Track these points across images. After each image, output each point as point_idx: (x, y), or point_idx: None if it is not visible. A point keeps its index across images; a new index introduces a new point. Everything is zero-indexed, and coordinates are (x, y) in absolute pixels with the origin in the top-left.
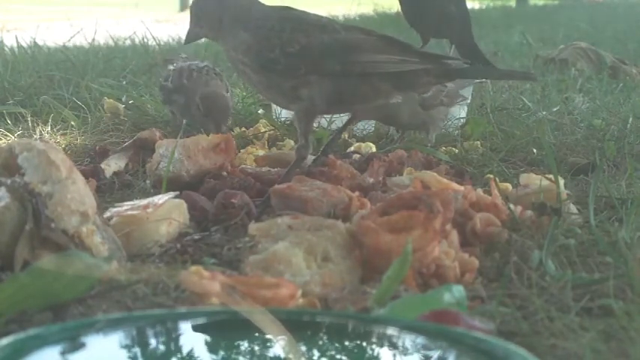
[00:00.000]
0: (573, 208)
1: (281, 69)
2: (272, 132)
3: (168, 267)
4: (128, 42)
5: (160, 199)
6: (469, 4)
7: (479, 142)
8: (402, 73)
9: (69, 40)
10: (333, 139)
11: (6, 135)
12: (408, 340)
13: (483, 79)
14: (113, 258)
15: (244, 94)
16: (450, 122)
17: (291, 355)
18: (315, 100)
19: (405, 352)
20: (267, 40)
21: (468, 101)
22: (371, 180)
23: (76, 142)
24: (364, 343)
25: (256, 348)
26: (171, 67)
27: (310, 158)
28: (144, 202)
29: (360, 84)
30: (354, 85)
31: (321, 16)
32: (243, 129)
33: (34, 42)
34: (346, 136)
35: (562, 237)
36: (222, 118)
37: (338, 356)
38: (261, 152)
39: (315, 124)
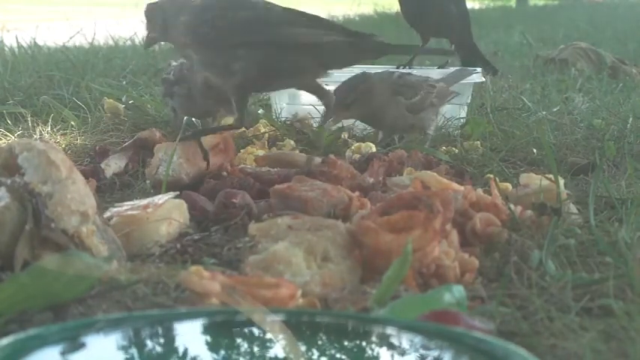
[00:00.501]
0: (573, 208)
1: (210, 41)
2: (272, 132)
3: (168, 267)
4: (128, 42)
5: (160, 199)
6: (469, 4)
7: (479, 142)
8: (324, 48)
9: (69, 40)
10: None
11: (6, 135)
12: (407, 340)
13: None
14: (113, 258)
15: None
16: (450, 122)
17: (291, 355)
18: (246, 73)
19: (404, 352)
20: (199, 16)
21: (468, 101)
22: (371, 180)
23: (76, 142)
24: (364, 343)
25: (256, 348)
26: (174, 63)
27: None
28: (144, 202)
29: (286, 58)
30: (281, 59)
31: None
32: (243, 129)
33: (34, 42)
34: (346, 136)
35: (562, 237)
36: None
37: (338, 356)
38: (261, 152)
39: (315, 125)
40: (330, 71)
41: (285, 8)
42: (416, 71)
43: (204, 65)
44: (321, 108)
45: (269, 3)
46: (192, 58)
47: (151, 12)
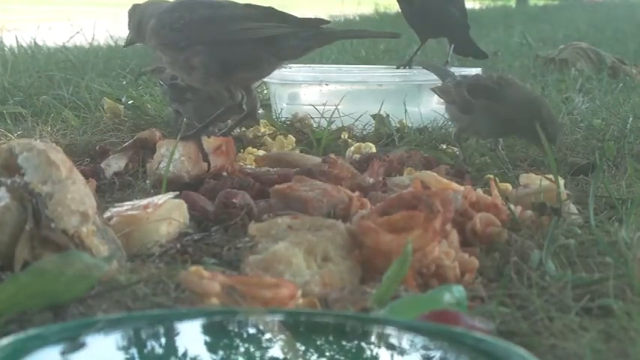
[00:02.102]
0: (573, 208)
1: (171, 42)
2: (272, 132)
3: (168, 267)
4: None
5: (160, 199)
6: (469, 5)
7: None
8: (273, 39)
9: (69, 40)
10: None
11: (6, 135)
12: (407, 340)
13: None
14: (113, 258)
15: None
16: (450, 122)
17: (290, 356)
18: (207, 67)
19: (404, 352)
20: (161, 20)
21: None
22: (371, 180)
23: (76, 142)
24: (364, 344)
25: (256, 348)
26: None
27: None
28: (144, 202)
29: (240, 51)
30: (236, 52)
31: (220, 1)
32: (243, 129)
33: (34, 42)
34: (346, 135)
35: (562, 237)
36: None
37: (337, 356)
38: (261, 152)
39: (315, 125)
40: (285, 62)
41: (240, 4)
42: (416, 71)
43: (170, 64)
44: (321, 108)
45: (225, 1)
46: (162, 59)
47: (130, 13)
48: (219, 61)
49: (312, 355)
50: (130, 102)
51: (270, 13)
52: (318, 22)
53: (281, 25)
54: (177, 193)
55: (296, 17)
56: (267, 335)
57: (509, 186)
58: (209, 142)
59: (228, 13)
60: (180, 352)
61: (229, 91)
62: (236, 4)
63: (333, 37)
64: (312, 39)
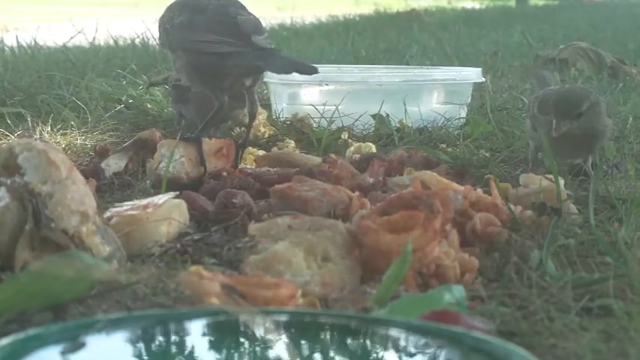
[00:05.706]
0: (573, 208)
1: (162, 43)
2: (272, 132)
3: (168, 267)
4: (128, 42)
5: (160, 199)
6: (469, 4)
7: (482, 150)
8: (223, 55)
9: (69, 40)
10: None
11: (6, 135)
12: (408, 340)
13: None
14: (113, 258)
15: None
16: (450, 122)
17: (290, 356)
18: (187, 72)
19: (404, 352)
20: (162, 17)
21: (468, 101)
22: (371, 180)
23: (76, 142)
24: (364, 344)
25: (256, 348)
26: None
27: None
28: (144, 202)
29: (206, 60)
30: (203, 62)
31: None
32: (243, 129)
33: (35, 42)
34: (346, 135)
35: (562, 237)
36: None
37: (338, 357)
38: (261, 152)
39: (315, 125)
40: (255, 79)
41: (221, 10)
42: (416, 71)
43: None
44: (321, 108)
45: (212, 4)
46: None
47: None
48: (194, 68)
49: (313, 355)
50: (130, 101)
51: (230, 25)
52: (259, 46)
53: (228, 42)
54: (178, 192)
55: (250, 37)
56: (267, 335)
57: (509, 186)
58: (210, 145)
59: (198, 21)
60: (180, 352)
61: (214, 93)
62: (219, 7)
63: (267, 67)
64: (250, 66)
